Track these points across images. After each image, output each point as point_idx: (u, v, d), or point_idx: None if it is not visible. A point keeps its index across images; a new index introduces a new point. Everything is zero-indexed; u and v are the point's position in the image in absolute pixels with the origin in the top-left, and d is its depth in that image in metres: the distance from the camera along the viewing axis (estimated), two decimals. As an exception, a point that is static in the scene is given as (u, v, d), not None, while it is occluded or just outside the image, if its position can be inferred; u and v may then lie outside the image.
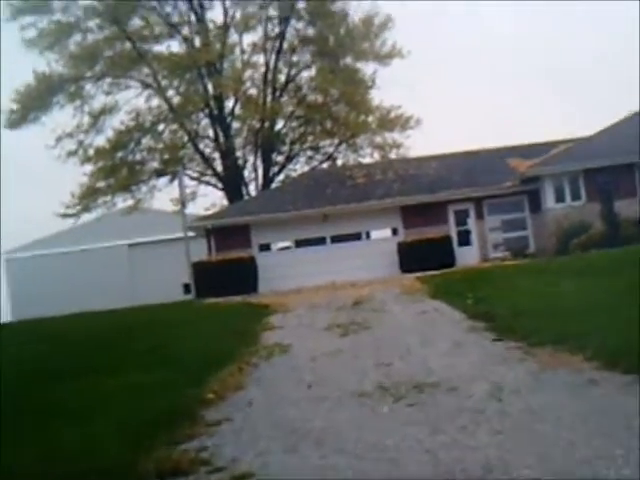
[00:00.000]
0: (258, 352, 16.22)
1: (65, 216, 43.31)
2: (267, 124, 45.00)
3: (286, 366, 14.54)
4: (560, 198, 37.64)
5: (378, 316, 19.94)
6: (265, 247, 39.48)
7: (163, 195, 45.91)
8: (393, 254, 37.76)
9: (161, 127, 44.27)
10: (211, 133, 46.27)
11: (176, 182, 45.86)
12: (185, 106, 43.92)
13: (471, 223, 39.51)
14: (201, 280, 36.75)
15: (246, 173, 47.44)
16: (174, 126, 44.61)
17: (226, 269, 36.35)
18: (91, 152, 42.98)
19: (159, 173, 44.43)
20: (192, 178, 46.67)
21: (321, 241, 39.45)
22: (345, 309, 22.39)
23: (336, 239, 39.40)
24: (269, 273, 37.80)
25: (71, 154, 43.34)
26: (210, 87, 44.89)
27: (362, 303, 23.29)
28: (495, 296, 19.73)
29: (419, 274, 33.37)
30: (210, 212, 42.61)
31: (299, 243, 39.81)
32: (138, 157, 44.45)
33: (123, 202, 45.60)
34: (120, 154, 43.60)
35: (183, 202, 36.38)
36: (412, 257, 36.85)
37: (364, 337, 16.95)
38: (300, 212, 38.81)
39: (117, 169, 43.42)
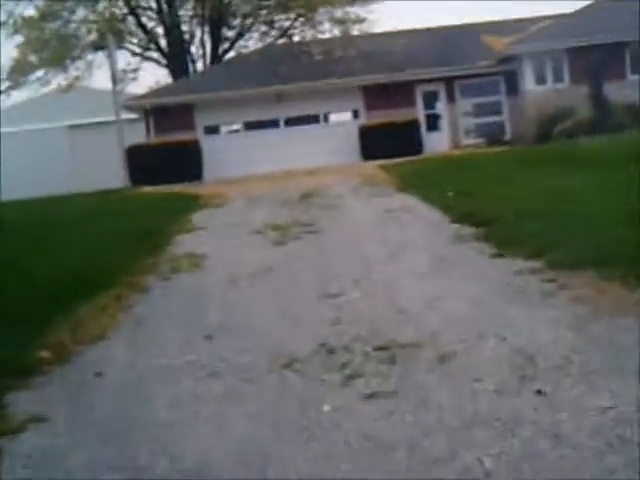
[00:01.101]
0: (158, 267, 11.21)
1: (-10, 92, 37.89)
2: (216, -5, 39.31)
3: (186, 295, 9.59)
4: (541, 80, 32.47)
5: (330, 214, 15.01)
6: (211, 130, 34.02)
7: (103, 73, 40.19)
8: (354, 139, 32.62)
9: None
10: (154, 4, 40.38)
11: (120, 58, 40.42)
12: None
13: (441, 106, 34.24)
14: (136, 166, 31.44)
15: (193, 50, 41.79)
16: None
17: (165, 153, 31.03)
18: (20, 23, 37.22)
19: (96, 47, 38.64)
20: (134, 54, 40.91)
21: (274, 124, 34.04)
22: (291, 203, 17.43)
23: (291, 122, 34.05)
24: (215, 158, 32.57)
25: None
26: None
27: (313, 196, 18.33)
28: (482, 191, 14.73)
29: (382, 162, 28.40)
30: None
31: (249, 125, 34.42)
32: (72, 28, 38.56)
33: (59, 80, 39.99)
34: (51, 25, 37.70)
35: (114, 77, 30.80)
36: (375, 143, 31.72)
37: (307, 246, 12.10)
38: (250, 90, 33.22)
39: (48, 41, 37.51)
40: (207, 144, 32.78)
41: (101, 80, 41.47)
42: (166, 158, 30.85)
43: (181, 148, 31.38)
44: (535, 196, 13.21)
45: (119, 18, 39.52)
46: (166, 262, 11.52)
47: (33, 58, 37.88)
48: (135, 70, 40.69)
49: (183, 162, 31.08)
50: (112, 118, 35.84)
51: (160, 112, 32.81)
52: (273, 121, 33.81)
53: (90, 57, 39.92)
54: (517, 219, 11.25)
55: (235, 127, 34.59)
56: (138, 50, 40.95)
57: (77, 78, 39.79)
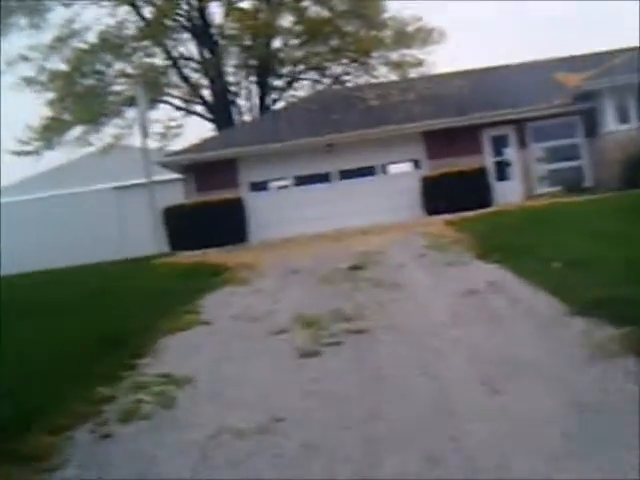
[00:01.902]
0: (102, 407, 6.57)
1: (21, 154, 33.83)
2: (262, 42, 34.94)
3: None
4: (624, 118, 27.66)
5: (387, 298, 10.33)
6: (257, 186, 29.60)
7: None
8: (415, 192, 27.97)
9: (134, 45, 34.13)
10: (196, 54, 36.30)
11: (161, 112, 36.31)
12: (161, 19, 33.80)
13: (511, 152, 29.47)
14: (174, 229, 27.19)
15: (240, 101, 37.66)
16: (152, 47, 34.54)
17: (206, 214, 26.70)
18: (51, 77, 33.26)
19: (134, 102, 34.70)
20: (176, 107, 36.83)
21: (326, 177, 29.48)
22: (336, 279, 12.74)
23: (345, 175, 29.44)
24: (262, 218, 28.19)
25: (30, 81, 33.78)
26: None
27: (365, 266, 13.67)
28: (601, 257, 9.90)
29: (449, 216, 23.87)
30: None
31: (299, 180, 29.99)
32: (107, 83, 34.56)
33: (99, 139, 36.01)
34: (84, 79, 33.72)
35: (144, 131, 26.55)
36: (439, 195, 27.06)
37: (348, 366, 7.38)
38: (299, 141, 28.86)
39: (81, 97, 33.52)
40: (253, 202, 28.37)
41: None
42: (207, 219, 26.57)
43: (224, 207, 27.06)
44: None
45: (160, 70, 35.43)
46: (123, 394, 6.95)
47: (67, 116, 33.85)
48: (179, 126, 36.53)
49: (226, 223, 26.75)
50: (160, 177, 31.81)
51: (200, 169, 28.51)
52: (325, 175, 29.30)
53: (130, 113, 35.88)
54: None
55: (283, 183, 30.07)
56: (181, 104, 36.75)
57: (117, 137, 35.69)
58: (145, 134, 26.43)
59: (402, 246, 16.25)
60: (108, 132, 35.79)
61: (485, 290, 9.57)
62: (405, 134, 28.76)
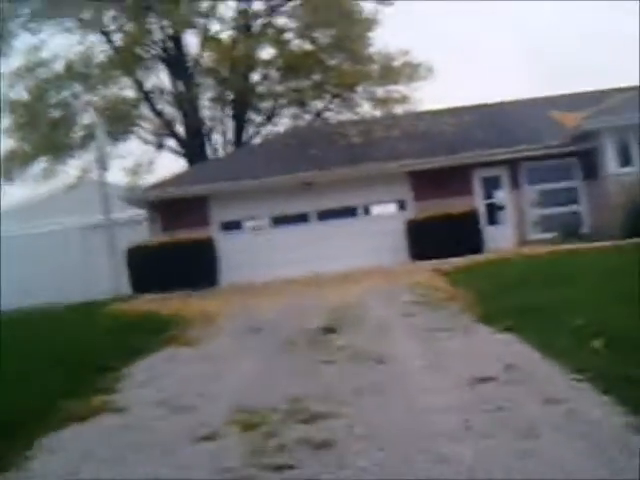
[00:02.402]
0: None
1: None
2: (240, 74, 32.26)
3: None
4: (625, 160, 25.08)
5: (364, 380, 7.38)
6: (229, 226, 26.68)
7: (119, 163, 33.32)
8: (400, 235, 25.24)
9: (102, 76, 31.28)
10: (169, 86, 33.53)
11: (132, 146, 33.52)
12: (132, 47, 31.05)
13: (504, 194, 26.90)
14: (138, 270, 24.35)
15: (216, 137, 34.92)
16: (122, 77, 31.72)
17: (172, 254, 23.89)
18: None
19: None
20: (146, 141, 34.13)
21: (303, 218, 26.71)
22: (301, 344, 9.87)
23: (324, 215, 26.64)
24: (234, 260, 25.37)
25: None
26: (165, 24, 32.06)
27: (341, 327, 10.81)
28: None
29: (436, 262, 21.45)
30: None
31: (275, 220, 27.28)
32: (73, 114, 31.71)
33: (65, 174, 33.12)
34: (50, 109, 30.89)
35: (102, 164, 23.67)
36: (426, 239, 24.36)
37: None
38: (275, 179, 26.06)
39: (46, 127, 30.66)
40: (224, 242, 25.60)
41: (117, 173, 34.31)
42: (173, 260, 23.77)
43: (192, 248, 24.30)
44: None
45: (130, 102, 32.68)
46: None
47: (28, 148, 31.00)
48: (150, 162, 33.72)
49: (194, 265, 23.95)
50: (127, 215, 29.04)
51: (167, 206, 25.72)
52: (302, 215, 26.55)
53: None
54: None
55: (258, 222, 27.27)
56: (152, 138, 33.96)
57: (84, 170, 32.78)
58: (104, 167, 23.57)
59: (386, 300, 13.46)
60: (74, 165, 32.96)
61: (504, 379, 6.70)
62: (390, 173, 26.10)
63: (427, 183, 26.07)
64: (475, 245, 24.49)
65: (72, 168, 32.87)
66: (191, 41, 33.34)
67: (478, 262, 18.68)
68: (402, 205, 26.78)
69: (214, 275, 24.75)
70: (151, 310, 15.48)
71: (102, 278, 31.49)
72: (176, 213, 25.62)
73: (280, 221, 26.83)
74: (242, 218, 26.83)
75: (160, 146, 33.75)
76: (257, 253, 25.76)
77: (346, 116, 33.47)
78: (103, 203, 22.78)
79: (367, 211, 27.24)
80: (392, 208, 27.56)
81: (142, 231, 27.25)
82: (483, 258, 21.67)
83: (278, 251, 25.64)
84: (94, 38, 31.77)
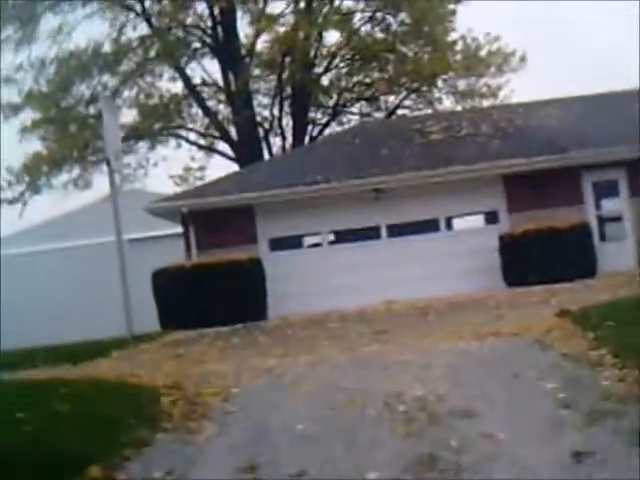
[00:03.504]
0: None
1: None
2: (300, 65, 26.63)
3: None
4: None
5: None
6: (280, 244, 21.03)
7: (164, 170, 27.94)
8: (490, 254, 19.38)
9: (139, 64, 25.85)
10: (220, 80, 27.99)
11: (175, 149, 28.18)
12: (172, 29, 25.49)
13: (621, 202, 20.87)
14: (166, 299, 18.94)
15: (274, 139, 29.35)
16: (159, 63, 26.30)
17: (209, 280, 18.44)
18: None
19: (141, 135, 26.55)
20: (190, 142, 28.65)
21: (372, 234, 20.83)
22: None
23: (397, 230, 20.77)
24: (286, 286, 19.82)
25: (14, 108, 25.89)
26: (216, 9, 26.56)
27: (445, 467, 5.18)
28: None
29: (539, 288, 16.46)
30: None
31: (337, 237, 21.60)
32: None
33: (100, 182, 27.84)
34: (78, 106, 25.63)
35: (110, 166, 17.74)
36: (524, 260, 18.55)
37: None
38: (337, 185, 20.36)
39: (68, 123, 25.31)
40: (273, 265, 19.98)
41: (161, 182, 29.01)
42: (209, 287, 18.32)
43: (234, 271, 18.75)
44: None
45: (175, 98, 27.28)
46: None
47: (56, 153, 25.66)
48: (200, 169, 28.31)
49: (236, 293, 18.42)
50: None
51: (204, 219, 20.21)
52: (370, 230, 20.82)
53: (142, 149, 27.79)
54: None
55: (316, 239, 21.56)
56: (199, 140, 28.51)
57: (126, 178, 27.45)
58: (117, 168, 17.77)
59: (518, 392, 7.48)
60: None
61: None
62: (478, 177, 20.23)
63: (524, 190, 20.15)
64: (587, 267, 18.61)
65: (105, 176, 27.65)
66: (245, 28, 27.85)
67: (622, 298, 12.60)
68: (493, 217, 20.86)
69: (261, 306, 19.22)
70: (135, 383, 9.81)
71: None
72: (214, 228, 20.08)
73: (343, 238, 21.14)
74: (296, 234, 21.16)
75: (209, 149, 28.34)
76: (314, 277, 20.16)
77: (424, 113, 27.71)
78: (114, 215, 17.16)
79: (449, 225, 21.45)
80: (480, 221, 21.76)
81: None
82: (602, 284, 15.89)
83: (340, 275, 20.03)
84: (127, 19, 26.37)
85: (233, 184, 21.12)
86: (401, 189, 20.26)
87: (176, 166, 27.94)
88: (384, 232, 20.75)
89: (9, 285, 28.16)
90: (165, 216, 21.23)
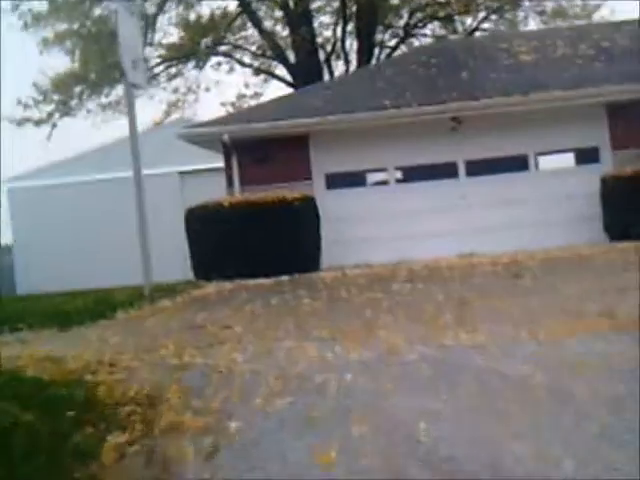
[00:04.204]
0: None
1: (21, 122, 22.68)
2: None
3: None
4: None
5: None
6: (338, 180, 17.34)
7: (214, 98, 24.53)
8: (589, 201, 15.76)
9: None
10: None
11: (233, 74, 24.62)
12: None
13: None
14: (202, 242, 15.61)
15: (336, 64, 25.52)
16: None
17: (252, 221, 15.03)
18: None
19: (186, 54, 22.98)
20: (243, 64, 24.96)
21: (447, 172, 17.03)
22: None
23: (477, 168, 16.97)
24: (344, 231, 16.41)
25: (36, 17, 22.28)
26: None
27: None
28: None
29: None
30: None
31: (405, 174, 17.99)
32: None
33: (146, 106, 24.45)
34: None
35: (129, 91, 13.96)
36: (633, 208, 14.84)
37: None
38: (406, 112, 16.47)
39: (100, 40, 21.81)
40: (329, 206, 16.50)
41: (214, 111, 25.49)
42: (253, 230, 14.89)
43: (282, 213, 15.19)
44: None
45: (224, 15, 23.59)
46: None
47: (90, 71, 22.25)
48: (257, 95, 24.77)
49: (284, 238, 14.97)
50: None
51: (248, 149, 16.68)
52: (446, 166, 17.11)
53: (192, 71, 24.25)
54: None
55: (380, 177, 17.93)
56: (250, 61, 24.86)
57: (169, 104, 23.96)
58: (133, 75, 13.89)
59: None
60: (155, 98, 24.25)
61: None
62: (576, 106, 16.39)
63: (632, 123, 16.30)
64: None
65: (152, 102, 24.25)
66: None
67: None
68: (593, 155, 17.03)
69: (314, 254, 15.77)
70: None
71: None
72: (261, 159, 16.62)
73: (412, 175, 17.45)
74: (358, 170, 17.53)
75: (264, 72, 24.71)
76: (378, 221, 16.66)
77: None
78: (130, 139, 13.57)
79: (537, 164, 17.66)
80: (571, 160, 17.90)
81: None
82: None
83: (408, 219, 16.52)
84: None
85: (284, 108, 17.45)
86: (484, 118, 16.47)
87: (229, 93, 24.52)
88: (462, 170, 17.02)
89: (44, 216, 25.29)
90: (203, 144, 17.72)
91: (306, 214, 15.82)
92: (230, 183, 16.88)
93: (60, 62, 22.96)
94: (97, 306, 12.01)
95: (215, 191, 17.32)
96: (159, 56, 23.10)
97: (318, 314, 9.42)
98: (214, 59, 23.99)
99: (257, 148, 16.57)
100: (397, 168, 17.52)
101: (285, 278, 14.00)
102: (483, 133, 16.70)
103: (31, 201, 25.85)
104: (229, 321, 9.44)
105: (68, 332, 9.75)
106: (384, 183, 17.61)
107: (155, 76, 23.76)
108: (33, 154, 29.02)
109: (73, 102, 22.61)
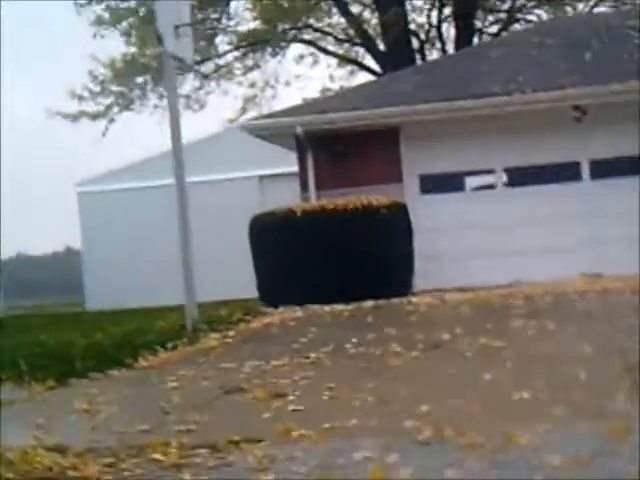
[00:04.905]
0: None
1: (77, 118, 20.09)
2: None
3: None
4: None
5: None
6: (435, 183, 14.32)
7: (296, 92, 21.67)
8: None
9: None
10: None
11: (316, 67, 21.76)
12: None
13: None
14: (271, 259, 12.64)
15: (431, 53, 22.30)
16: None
17: (331, 233, 11.99)
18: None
19: (265, 40, 20.03)
20: (327, 52, 21.92)
21: (568, 173, 13.74)
22: None
23: (605, 169, 13.72)
24: (442, 245, 13.33)
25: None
26: None
27: None
28: None
29: None
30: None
31: (515, 176, 14.75)
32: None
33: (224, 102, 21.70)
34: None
35: (169, 64, 10.99)
36: None
37: None
38: (519, 99, 13.20)
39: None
40: (426, 214, 13.38)
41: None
42: (329, 245, 11.84)
43: (366, 222, 12.04)
44: None
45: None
46: None
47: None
48: (343, 89, 21.77)
49: (368, 253, 11.88)
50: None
51: (325, 145, 13.67)
52: (566, 167, 13.83)
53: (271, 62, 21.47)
54: None
55: (486, 180, 14.69)
56: (334, 48, 21.90)
57: (247, 99, 21.11)
58: (173, 44, 10.67)
59: None
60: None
61: None
62: None
63: None
64: None
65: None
66: None
67: None
68: None
69: (405, 273, 12.62)
70: None
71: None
72: (341, 158, 13.60)
73: (525, 177, 14.23)
74: (458, 170, 14.35)
75: (349, 61, 21.72)
76: (482, 234, 13.49)
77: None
78: (175, 145, 10.45)
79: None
80: None
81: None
82: None
83: (519, 231, 13.33)
84: None
85: (368, 96, 14.35)
86: (614, 108, 13.14)
87: (311, 87, 21.71)
88: (586, 171, 13.72)
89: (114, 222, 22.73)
90: (274, 139, 14.73)
91: (396, 224, 12.65)
92: (305, 187, 13.84)
93: (115, 47, 20.42)
94: (123, 341, 9.15)
95: (295, 198, 14.52)
96: (229, 43, 20.36)
97: (409, 375, 6.30)
98: (295, 50, 21.22)
99: (336, 144, 13.51)
100: (505, 169, 14.28)
101: (369, 304, 10.92)
102: (612, 127, 13.33)
103: (102, 206, 23.49)
104: (283, 379, 6.40)
105: (58, 389, 6.90)
106: (490, 187, 14.38)
107: (229, 69, 21.07)
108: (105, 156, 26.42)
109: (134, 94, 20.06)
